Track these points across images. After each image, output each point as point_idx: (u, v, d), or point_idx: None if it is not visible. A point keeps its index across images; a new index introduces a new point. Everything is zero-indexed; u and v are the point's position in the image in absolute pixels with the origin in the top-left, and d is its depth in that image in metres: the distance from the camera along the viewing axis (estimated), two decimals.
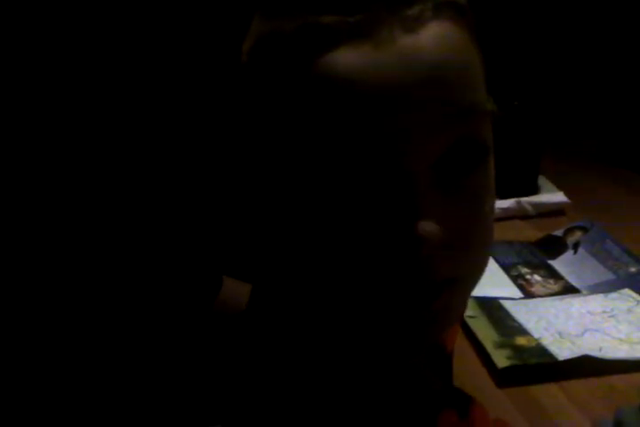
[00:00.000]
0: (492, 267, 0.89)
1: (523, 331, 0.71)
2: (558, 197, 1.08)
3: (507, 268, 0.88)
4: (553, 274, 0.87)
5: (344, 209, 0.32)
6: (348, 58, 0.30)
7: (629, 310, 0.74)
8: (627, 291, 0.79)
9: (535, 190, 1.15)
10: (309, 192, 0.33)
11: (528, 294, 0.82)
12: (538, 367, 0.65)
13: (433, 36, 0.31)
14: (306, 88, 0.31)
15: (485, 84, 0.37)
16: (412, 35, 0.31)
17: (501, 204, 1.06)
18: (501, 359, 0.65)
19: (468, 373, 0.68)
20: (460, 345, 0.73)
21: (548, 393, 0.64)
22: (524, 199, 1.06)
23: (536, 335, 0.70)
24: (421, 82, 0.30)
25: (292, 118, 0.32)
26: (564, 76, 1.44)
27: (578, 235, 0.93)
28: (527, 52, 1.44)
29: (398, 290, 0.34)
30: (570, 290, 0.82)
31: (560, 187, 1.16)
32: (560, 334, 0.70)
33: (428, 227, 0.31)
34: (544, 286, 0.84)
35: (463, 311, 0.39)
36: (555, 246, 0.93)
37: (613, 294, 0.78)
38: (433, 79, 0.31)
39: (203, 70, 0.42)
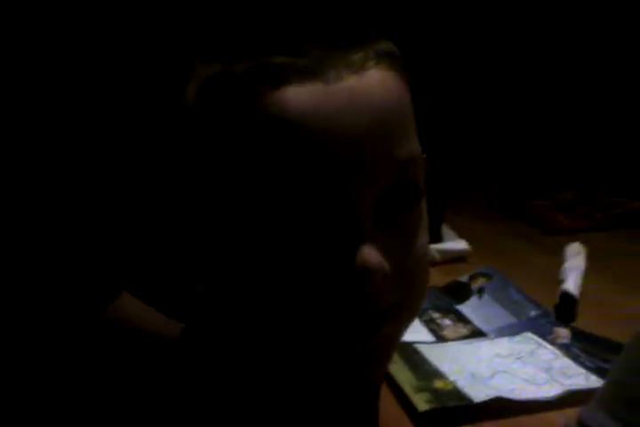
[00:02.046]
0: None
1: (439, 374, 0.73)
2: (461, 244, 1.14)
3: (419, 313, 0.91)
4: (461, 318, 0.91)
5: (291, 245, 0.33)
6: (299, 95, 0.32)
7: (532, 353, 0.79)
8: (529, 334, 0.84)
9: (439, 238, 1.21)
10: (256, 227, 0.33)
11: (440, 338, 0.85)
12: (456, 410, 0.67)
13: (377, 80, 0.34)
14: (258, 126, 0.32)
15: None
16: (358, 77, 0.33)
17: None
18: (421, 403, 0.67)
19: (389, 417, 0.68)
20: (385, 389, 0.74)
21: None
22: (431, 246, 1.11)
23: (451, 378, 0.72)
24: (368, 124, 0.32)
25: (243, 154, 0.33)
26: (468, 127, 1.55)
27: (481, 281, 0.99)
28: (432, 106, 1.55)
29: (342, 321, 0.34)
30: (478, 334, 0.86)
31: (460, 235, 1.23)
32: (473, 376, 0.73)
33: (373, 257, 0.32)
34: (454, 331, 0.87)
35: (401, 339, 0.40)
36: (461, 292, 0.98)
37: (517, 337, 0.83)
38: (378, 123, 0.33)
39: (142, 112, 0.42)
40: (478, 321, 0.89)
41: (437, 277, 1.06)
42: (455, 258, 1.14)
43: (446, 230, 1.26)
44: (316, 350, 0.35)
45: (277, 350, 0.37)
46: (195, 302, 0.46)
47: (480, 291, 0.97)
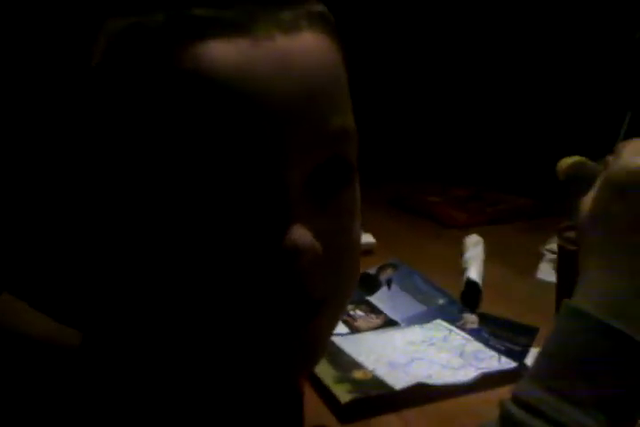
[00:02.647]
0: None
1: (357, 365, 0.72)
2: (367, 238, 1.15)
3: None
4: (373, 309, 0.90)
5: (214, 225, 0.30)
6: (221, 51, 0.28)
7: (444, 339, 0.80)
8: (439, 321, 0.85)
9: None
10: (176, 205, 0.29)
11: (354, 329, 0.84)
12: (378, 399, 0.66)
13: (309, 43, 0.31)
14: (174, 84, 0.29)
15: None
16: (290, 37, 0.30)
17: None
18: (343, 394, 0.65)
19: (310, 411, 0.65)
20: (308, 384, 0.71)
21: (388, 423, 0.65)
22: None
23: (370, 368, 0.71)
24: (298, 88, 0.30)
25: (158, 114, 0.29)
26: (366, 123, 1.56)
27: (389, 272, 1.00)
28: None
29: (274, 308, 0.31)
30: (390, 323, 0.86)
31: (363, 230, 1.24)
32: (391, 364, 0.72)
33: (303, 236, 0.30)
34: (367, 321, 0.87)
35: (332, 334, 0.38)
36: (371, 283, 0.97)
37: (428, 325, 0.84)
38: (309, 88, 0.30)
39: (42, 74, 0.37)
40: (389, 311, 0.90)
41: None
42: (363, 252, 1.14)
43: None
44: (245, 341, 0.32)
45: (203, 342, 0.33)
46: (93, 306, 0.41)
47: (389, 282, 0.97)
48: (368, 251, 1.14)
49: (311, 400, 0.68)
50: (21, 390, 0.40)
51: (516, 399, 0.40)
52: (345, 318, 0.87)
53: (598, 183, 0.42)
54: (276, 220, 0.30)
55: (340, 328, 0.84)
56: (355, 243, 0.36)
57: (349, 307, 0.90)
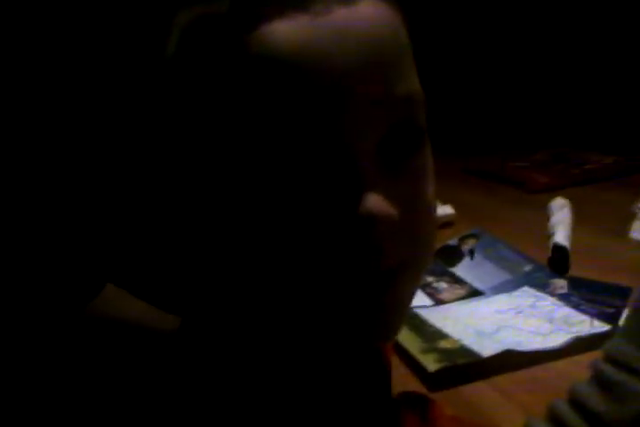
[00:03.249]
0: None
1: (443, 335, 0.72)
2: (446, 209, 1.13)
3: None
4: (457, 280, 0.90)
5: (290, 191, 0.31)
6: (284, 31, 0.29)
7: (532, 305, 0.79)
8: (526, 288, 0.83)
9: None
10: (253, 175, 0.31)
11: (438, 301, 0.84)
12: (466, 367, 0.66)
13: (369, 12, 0.31)
14: (245, 65, 0.29)
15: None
16: (348, 9, 0.30)
17: None
18: (431, 363, 0.66)
19: (398, 382, 0.67)
20: (395, 356, 0.72)
21: (479, 391, 0.65)
22: None
23: (457, 337, 0.71)
24: (360, 58, 0.30)
25: (233, 99, 0.30)
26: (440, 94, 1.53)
27: (471, 242, 0.98)
28: None
29: (352, 277, 0.32)
30: (475, 293, 0.86)
31: (443, 202, 1.22)
32: (478, 333, 0.72)
33: (378, 203, 0.30)
34: (451, 292, 0.86)
35: (413, 298, 0.38)
36: (452, 255, 0.97)
37: (515, 293, 0.83)
38: (371, 56, 0.30)
39: (121, 69, 0.39)
40: (474, 281, 0.89)
41: None
42: (442, 224, 1.13)
43: None
44: (327, 309, 0.33)
45: (285, 317, 0.34)
46: (191, 293, 0.43)
47: (471, 252, 0.96)
48: (448, 222, 1.13)
49: (399, 371, 0.69)
50: (123, 374, 0.44)
51: (608, 358, 0.39)
52: (428, 290, 0.87)
53: None
54: (350, 188, 0.30)
55: (425, 301, 0.84)
56: (430, 207, 0.36)
57: (432, 279, 0.90)
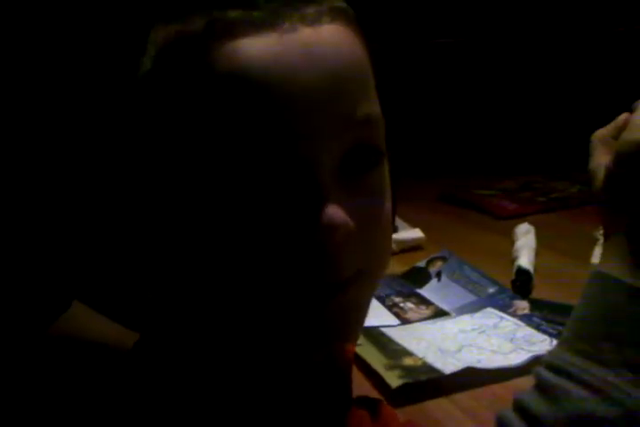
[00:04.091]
0: None
1: (407, 353, 0.74)
2: (416, 233, 1.16)
3: (381, 299, 0.92)
4: (423, 301, 0.91)
5: (252, 202, 0.32)
6: (252, 48, 0.31)
7: (495, 326, 0.81)
8: (489, 309, 0.85)
9: (393, 229, 1.22)
10: (217, 185, 0.32)
11: (404, 321, 0.86)
12: (428, 383, 0.67)
13: (332, 34, 0.33)
14: (213, 82, 0.31)
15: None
16: (313, 30, 0.32)
17: None
18: (394, 379, 0.67)
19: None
20: (358, 371, 0.73)
21: (440, 407, 0.66)
22: None
23: (420, 355, 0.73)
24: (324, 75, 0.32)
25: (202, 114, 0.32)
26: (412, 119, 1.57)
27: (439, 264, 1.01)
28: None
29: (307, 285, 0.33)
30: (440, 314, 0.87)
31: (413, 225, 1.25)
32: (441, 351, 0.73)
33: (334, 211, 0.32)
34: (417, 312, 0.88)
35: (368, 306, 0.40)
36: (420, 276, 0.99)
37: (478, 313, 0.85)
38: (335, 74, 0.32)
39: (95, 84, 0.41)
40: (439, 302, 0.91)
41: (396, 266, 1.06)
42: (411, 247, 1.15)
43: (399, 222, 1.28)
44: (281, 315, 0.34)
45: (241, 323, 0.35)
46: (148, 309, 0.44)
47: (438, 274, 0.98)
48: (417, 246, 1.15)
49: (364, 388, 0.70)
50: (81, 391, 0.44)
51: (547, 364, 0.41)
52: (395, 310, 0.89)
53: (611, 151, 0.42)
54: (310, 199, 0.32)
55: (391, 320, 0.86)
56: (385, 221, 0.38)
57: (399, 299, 0.92)
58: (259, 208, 0.32)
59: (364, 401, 0.42)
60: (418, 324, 0.84)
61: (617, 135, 0.43)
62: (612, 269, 0.41)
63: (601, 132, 0.46)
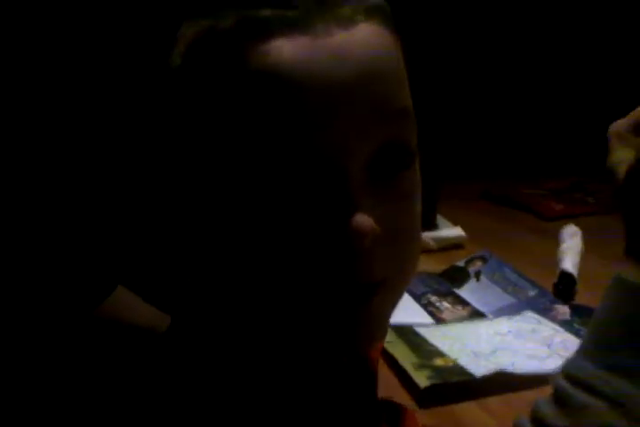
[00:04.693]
0: (404, 296, 0.91)
1: (439, 353, 0.73)
2: (456, 231, 1.14)
3: (417, 297, 0.91)
4: (460, 301, 0.90)
5: (278, 206, 0.32)
6: (285, 50, 0.31)
7: (532, 330, 0.78)
8: (528, 313, 0.83)
9: (434, 227, 1.20)
10: (243, 189, 0.32)
11: (439, 320, 0.84)
12: (458, 385, 0.66)
13: (366, 35, 0.32)
14: (244, 80, 0.31)
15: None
16: (347, 31, 0.32)
17: None
18: (422, 379, 0.66)
19: (389, 395, 0.67)
20: (380, 369, 0.73)
21: (468, 411, 0.65)
22: (426, 234, 1.11)
23: (453, 356, 0.72)
24: (355, 78, 0.31)
25: (231, 112, 0.32)
26: (458, 117, 1.55)
27: (478, 264, 0.99)
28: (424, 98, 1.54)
29: (335, 288, 0.33)
30: (477, 315, 0.86)
31: (455, 224, 1.23)
32: (474, 353, 0.72)
33: (363, 220, 0.31)
34: (452, 312, 0.86)
35: (391, 315, 0.40)
36: (458, 276, 0.97)
37: (517, 317, 0.83)
38: (366, 76, 0.32)
39: (126, 77, 0.41)
40: (477, 303, 0.89)
41: (434, 265, 1.05)
42: (451, 245, 1.13)
43: (440, 219, 1.26)
44: (309, 321, 0.34)
45: (269, 324, 0.35)
46: (183, 294, 0.44)
47: (477, 274, 0.96)
48: (458, 245, 1.14)
49: (392, 386, 0.69)
50: (124, 373, 0.45)
51: (565, 374, 0.40)
52: (430, 308, 0.88)
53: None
54: (339, 204, 0.31)
55: (426, 319, 0.85)
56: (414, 225, 0.37)
57: (435, 298, 0.90)
58: (287, 208, 0.32)
59: (388, 405, 0.42)
60: (453, 324, 0.83)
61: (636, 128, 0.41)
62: (632, 275, 0.39)
63: (619, 125, 0.43)
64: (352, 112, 0.31)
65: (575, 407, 0.38)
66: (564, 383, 0.40)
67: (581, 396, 0.38)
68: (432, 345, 0.75)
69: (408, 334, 0.78)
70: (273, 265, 0.33)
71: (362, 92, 0.32)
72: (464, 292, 0.93)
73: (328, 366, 0.40)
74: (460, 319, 0.85)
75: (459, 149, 1.54)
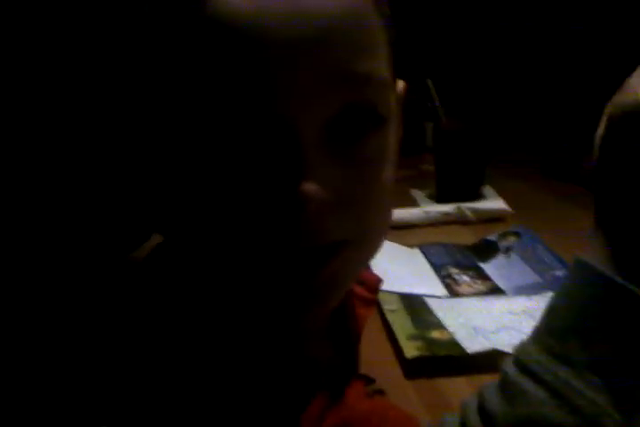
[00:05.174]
0: (423, 266, 0.89)
1: (439, 325, 0.70)
2: (498, 204, 1.08)
3: (437, 267, 0.88)
4: (481, 275, 0.86)
5: (232, 164, 0.31)
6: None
7: None
8: (550, 293, 0.78)
9: (478, 198, 1.15)
10: (195, 142, 0.32)
11: (453, 293, 0.82)
12: (446, 359, 0.64)
13: None
14: (200, 26, 0.30)
15: (391, 54, 0.36)
16: None
17: (441, 208, 1.06)
18: (411, 350, 0.64)
19: (378, 362, 0.66)
20: (377, 337, 0.72)
21: (455, 386, 0.63)
22: (464, 205, 1.06)
23: (451, 329, 0.69)
24: (314, 35, 0.30)
25: (185, 59, 0.31)
26: (509, 92, 1.46)
27: (511, 240, 0.94)
28: (475, 67, 1.46)
29: (283, 254, 0.32)
30: (495, 291, 0.82)
31: (504, 197, 1.17)
32: (475, 329, 0.69)
33: (310, 186, 0.30)
34: (470, 286, 0.83)
35: (354, 279, 0.38)
36: (487, 250, 0.93)
37: (536, 296, 0.78)
38: (326, 35, 0.30)
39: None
40: (498, 279, 0.85)
41: (467, 237, 1.01)
42: (493, 218, 1.08)
43: (488, 191, 1.20)
44: (261, 283, 0.34)
45: (227, 278, 0.35)
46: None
47: (507, 249, 0.91)
48: (499, 218, 1.08)
49: (385, 354, 0.68)
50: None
51: (514, 358, 0.37)
52: (448, 281, 0.85)
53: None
54: (290, 167, 0.30)
55: (439, 291, 0.82)
56: (378, 189, 0.35)
57: (455, 271, 0.87)
58: (240, 166, 0.31)
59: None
60: (467, 298, 0.80)
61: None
62: (595, 258, 0.35)
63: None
64: (306, 71, 0.30)
65: (514, 394, 0.36)
66: (510, 368, 0.37)
67: (524, 383, 0.36)
68: (435, 317, 0.73)
69: (415, 304, 0.76)
70: (226, 223, 0.33)
71: (316, 47, 0.30)
72: (489, 266, 0.89)
73: (293, 323, 0.40)
74: (476, 294, 0.81)
75: (520, 121, 1.45)
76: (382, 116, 0.34)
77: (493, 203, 1.09)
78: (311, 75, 0.30)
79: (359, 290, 0.55)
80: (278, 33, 0.29)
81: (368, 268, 0.61)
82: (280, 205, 0.31)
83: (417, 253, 0.93)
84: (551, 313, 0.37)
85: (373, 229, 0.36)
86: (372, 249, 0.39)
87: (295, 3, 0.30)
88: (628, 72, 0.36)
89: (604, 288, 0.34)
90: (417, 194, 1.20)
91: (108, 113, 0.38)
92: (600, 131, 0.37)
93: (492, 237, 0.96)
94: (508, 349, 0.64)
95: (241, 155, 0.31)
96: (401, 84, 0.43)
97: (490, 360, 0.63)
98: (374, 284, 0.59)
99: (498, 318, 0.73)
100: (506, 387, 0.37)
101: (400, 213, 1.02)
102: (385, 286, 0.79)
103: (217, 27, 0.30)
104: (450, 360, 0.64)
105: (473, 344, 0.65)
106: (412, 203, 1.17)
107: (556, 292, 0.38)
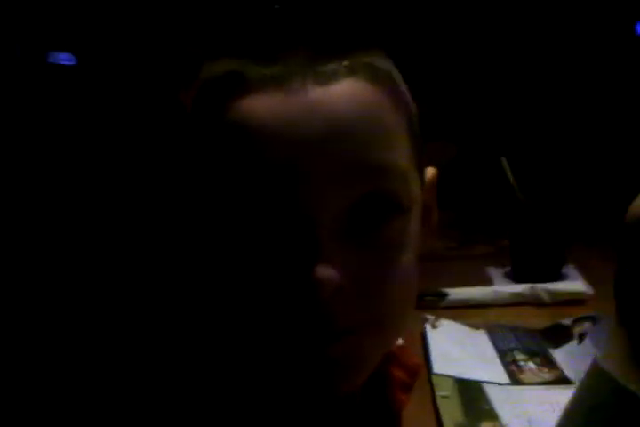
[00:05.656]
0: (486, 350, 0.86)
1: (491, 415, 0.67)
2: (576, 285, 1.03)
3: (501, 352, 0.84)
4: (549, 363, 0.81)
5: (253, 251, 0.34)
6: (258, 104, 0.33)
7: None
8: None
9: (558, 278, 1.10)
10: (223, 236, 0.35)
11: (516, 381, 0.77)
12: None
13: (343, 91, 0.33)
14: (222, 130, 0.34)
15: (416, 147, 0.39)
16: (323, 87, 0.33)
17: (514, 288, 1.02)
18: None
19: None
20: (425, 424, 0.69)
21: None
22: (540, 285, 1.02)
23: (504, 421, 0.66)
24: (325, 133, 0.32)
25: (208, 159, 0.35)
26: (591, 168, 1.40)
27: (585, 325, 0.88)
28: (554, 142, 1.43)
29: (295, 336, 0.35)
30: (562, 381, 0.77)
31: (589, 277, 1.11)
32: (530, 421, 0.65)
33: (324, 271, 0.32)
34: (535, 375, 0.79)
35: (375, 360, 0.39)
36: (559, 335, 0.88)
37: None
38: (336, 132, 0.33)
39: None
40: (568, 368, 0.80)
41: (540, 320, 0.96)
42: (572, 301, 1.03)
43: (571, 271, 1.15)
44: (280, 360, 0.36)
45: (240, 354, 0.38)
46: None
47: (581, 336, 0.86)
48: (578, 300, 1.02)
49: None
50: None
51: None
52: (512, 367, 0.81)
53: None
54: (306, 256, 0.33)
55: (501, 377, 0.78)
56: (399, 275, 0.36)
57: (522, 357, 0.83)
58: (261, 254, 0.34)
59: None
60: (528, 387, 0.75)
61: None
62: (613, 358, 0.34)
63: None
64: (321, 167, 0.33)
65: None
66: None
67: None
68: (489, 405, 0.69)
69: (471, 389, 0.73)
70: (245, 305, 0.35)
71: (332, 148, 0.33)
72: (559, 354, 0.84)
73: (311, 405, 0.41)
74: (542, 383, 0.77)
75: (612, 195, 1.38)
76: (401, 203, 0.35)
77: (571, 284, 1.04)
78: (322, 172, 0.33)
79: (398, 373, 0.55)
80: (295, 133, 0.33)
81: (409, 350, 0.60)
82: (295, 288, 0.33)
83: (482, 335, 0.90)
84: (563, 416, 0.36)
85: (393, 312, 0.37)
86: (392, 332, 0.39)
87: (310, 107, 0.33)
88: None
89: (615, 398, 0.32)
90: (493, 272, 1.17)
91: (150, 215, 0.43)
92: (621, 237, 0.37)
93: (567, 322, 0.91)
94: None
95: (263, 242, 0.34)
96: (431, 172, 0.45)
97: None
98: (415, 368, 0.58)
99: (559, 412, 0.68)
100: None
101: (469, 292, 1.00)
102: (441, 369, 0.77)
103: (238, 131, 0.33)
104: None
105: None
106: (487, 281, 1.14)
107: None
